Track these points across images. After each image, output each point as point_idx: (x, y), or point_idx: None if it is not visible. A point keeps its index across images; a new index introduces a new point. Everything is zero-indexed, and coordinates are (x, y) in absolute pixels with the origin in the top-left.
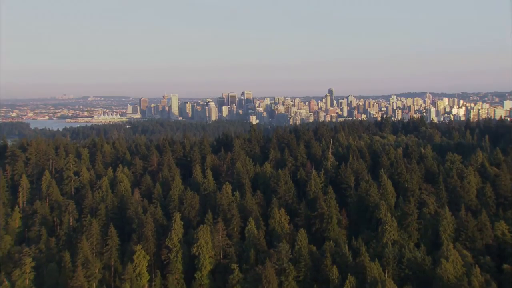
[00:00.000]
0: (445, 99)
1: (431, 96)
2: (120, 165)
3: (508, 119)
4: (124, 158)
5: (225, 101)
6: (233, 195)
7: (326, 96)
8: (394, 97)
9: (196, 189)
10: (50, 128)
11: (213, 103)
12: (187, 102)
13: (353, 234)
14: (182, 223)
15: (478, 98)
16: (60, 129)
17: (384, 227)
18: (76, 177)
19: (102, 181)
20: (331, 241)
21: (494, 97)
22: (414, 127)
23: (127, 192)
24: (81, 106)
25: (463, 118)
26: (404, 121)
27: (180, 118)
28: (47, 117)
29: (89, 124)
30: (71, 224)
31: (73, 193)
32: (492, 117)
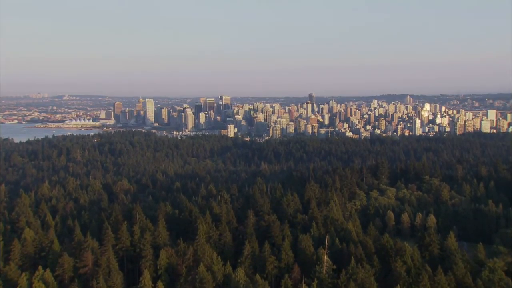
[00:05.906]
0: (427, 105)
1: (411, 100)
2: (40, 267)
3: (494, 131)
4: (50, 250)
5: (202, 106)
6: None
7: (307, 103)
8: (375, 102)
9: None
10: (13, 139)
11: (190, 109)
12: (163, 108)
13: None
14: None
15: (458, 102)
16: (24, 141)
17: None
18: None
19: None
20: None
21: (473, 101)
22: (416, 174)
23: None
24: (55, 107)
25: (448, 129)
26: (402, 167)
27: (156, 124)
28: (16, 121)
29: (57, 133)
30: None
31: None
32: (478, 129)
